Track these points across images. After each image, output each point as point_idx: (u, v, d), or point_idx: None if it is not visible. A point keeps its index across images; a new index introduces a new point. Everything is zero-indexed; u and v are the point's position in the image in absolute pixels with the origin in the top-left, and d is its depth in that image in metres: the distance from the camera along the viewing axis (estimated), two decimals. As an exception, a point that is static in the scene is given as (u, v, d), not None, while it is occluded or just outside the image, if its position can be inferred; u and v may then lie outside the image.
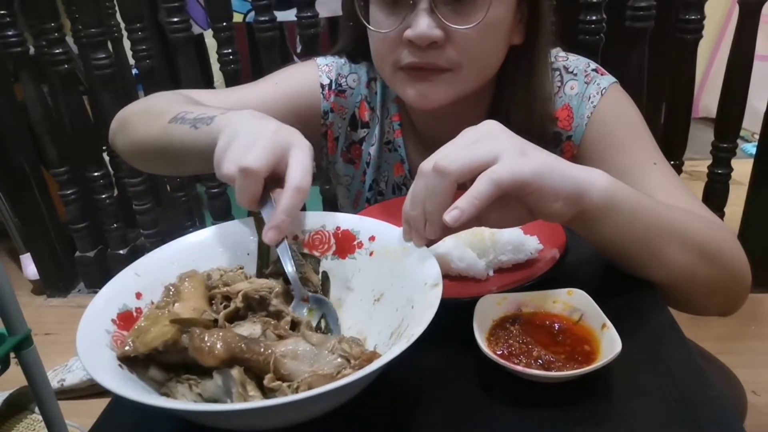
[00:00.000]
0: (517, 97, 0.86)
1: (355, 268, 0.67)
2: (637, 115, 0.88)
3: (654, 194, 0.70)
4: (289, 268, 0.62)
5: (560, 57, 0.92)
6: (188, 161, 0.78)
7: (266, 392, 0.51)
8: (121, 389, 0.48)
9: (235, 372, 0.50)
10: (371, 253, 0.66)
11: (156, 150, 0.82)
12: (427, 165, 0.59)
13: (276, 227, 0.60)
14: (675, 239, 0.66)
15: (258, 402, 0.47)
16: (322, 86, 0.94)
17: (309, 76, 0.95)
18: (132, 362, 0.53)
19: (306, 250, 0.68)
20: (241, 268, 0.65)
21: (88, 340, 0.52)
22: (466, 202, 0.56)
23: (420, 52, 0.77)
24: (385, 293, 0.63)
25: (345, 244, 0.68)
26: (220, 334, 0.52)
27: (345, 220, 0.69)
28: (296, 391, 0.50)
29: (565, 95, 0.89)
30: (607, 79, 0.89)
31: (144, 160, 0.89)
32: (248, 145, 0.61)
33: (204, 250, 0.66)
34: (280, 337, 0.56)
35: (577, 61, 0.92)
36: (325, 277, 0.67)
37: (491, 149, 0.57)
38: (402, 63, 0.79)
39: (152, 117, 0.82)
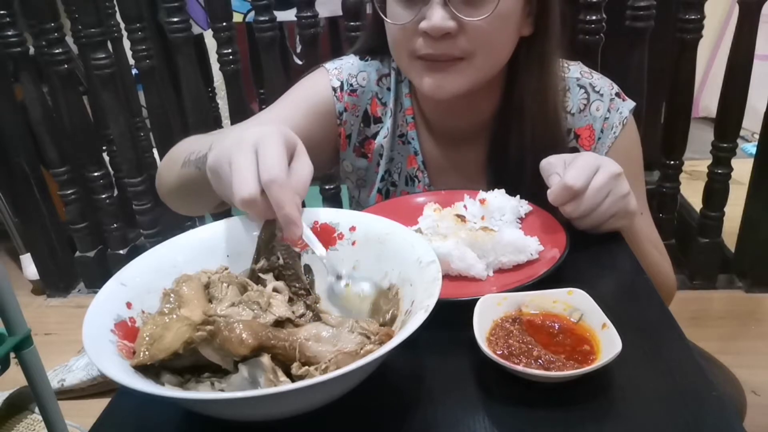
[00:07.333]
0: (530, 86, 0.89)
1: (339, 259, 0.68)
2: (641, 159, 0.99)
3: None
4: (320, 250, 0.64)
5: (585, 74, 0.96)
6: (211, 197, 0.79)
7: (294, 380, 0.52)
8: (167, 393, 0.50)
9: (266, 359, 0.52)
10: (353, 243, 0.68)
11: (183, 194, 0.88)
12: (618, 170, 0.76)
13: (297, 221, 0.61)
14: (652, 263, 0.91)
15: (305, 381, 0.47)
16: (334, 89, 0.98)
17: (320, 83, 0.98)
18: (143, 371, 0.53)
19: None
20: (226, 269, 0.65)
21: (98, 351, 0.51)
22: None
23: (434, 43, 0.81)
24: (373, 278, 0.65)
25: (325, 237, 0.69)
26: (244, 324, 0.53)
27: (322, 214, 0.70)
28: (325, 371, 0.52)
29: (590, 115, 0.94)
30: (627, 106, 0.94)
31: (181, 204, 0.94)
32: (249, 162, 0.61)
33: (184, 255, 0.66)
34: (297, 326, 0.58)
35: (601, 81, 0.95)
36: (308, 270, 0.68)
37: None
38: (418, 53, 0.83)
39: (172, 164, 0.87)
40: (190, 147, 0.84)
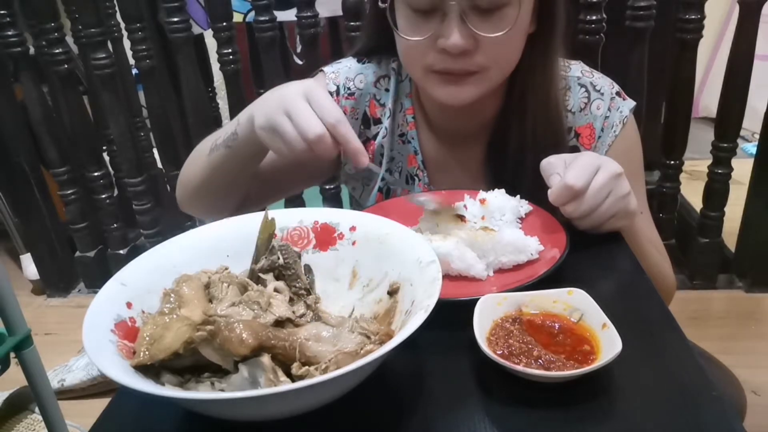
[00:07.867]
0: (533, 83, 0.90)
1: (339, 259, 0.68)
2: (641, 158, 1.00)
3: None
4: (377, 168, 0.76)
5: (585, 72, 0.96)
6: (242, 176, 0.89)
7: (294, 380, 0.53)
8: (167, 393, 0.50)
9: (266, 359, 0.52)
10: (353, 243, 0.68)
11: (211, 185, 0.90)
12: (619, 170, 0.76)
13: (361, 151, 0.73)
14: (653, 263, 0.90)
15: (305, 381, 0.48)
16: (330, 93, 0.97)
17: None
18: (143, 371, 0.53)
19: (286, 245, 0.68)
20: (226, 269, 0.65)
21: (98, 351, 0.51)
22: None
23: (452, 59, 0.81)
24: (374, 278, 0.65)
25: (325, 237, 0.69)
26: (244, 324, 0.53)
27: (322, 214, 0.70)
28: (325, 371, 0.52)
29: (590, 114, 0.94)
30: (628, 105, 0.94)
31: (207, 200, 0.94)
32: (307, 107, 0.72)
33: (184, 255, 0.66)
34: (297, 326, 0.58)
35: (602, 80, 0.95)
36: (308, 270, 0.68)
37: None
38: (435, 68, 0.83)
39: (197, 159, 0.91)
40: (211, 138, 0.87)
